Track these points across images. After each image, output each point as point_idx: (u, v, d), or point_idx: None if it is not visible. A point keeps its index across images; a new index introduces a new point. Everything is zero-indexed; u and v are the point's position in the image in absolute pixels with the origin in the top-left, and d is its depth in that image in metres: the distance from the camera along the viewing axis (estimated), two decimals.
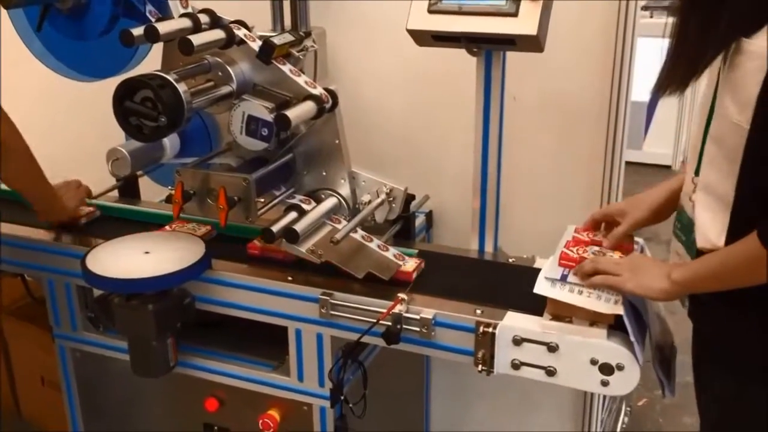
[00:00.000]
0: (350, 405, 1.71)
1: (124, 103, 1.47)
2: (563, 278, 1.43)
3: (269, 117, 1.56)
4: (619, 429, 2.78)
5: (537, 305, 1.46)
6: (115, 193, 2.11)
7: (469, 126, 1.75)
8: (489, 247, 1.79)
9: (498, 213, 1.79)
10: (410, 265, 1.62)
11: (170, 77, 1.47)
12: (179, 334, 1.74)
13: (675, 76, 1.22)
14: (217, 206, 1.53)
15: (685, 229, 1.34)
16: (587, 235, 1.55)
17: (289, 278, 1.63)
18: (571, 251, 1.47)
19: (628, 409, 2.89)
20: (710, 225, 1.24)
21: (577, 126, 1.96)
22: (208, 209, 1.58)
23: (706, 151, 1.24)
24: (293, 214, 1.62)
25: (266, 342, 1.75)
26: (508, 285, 1.63)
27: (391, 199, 1.70)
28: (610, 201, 1.95)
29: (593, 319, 1.41)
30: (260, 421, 1.73)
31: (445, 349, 1.53)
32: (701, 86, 1.28)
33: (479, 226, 1.80)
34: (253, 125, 1.60)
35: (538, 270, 1.64)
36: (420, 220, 2.08)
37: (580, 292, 1.41)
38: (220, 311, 1.71)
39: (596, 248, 1.50)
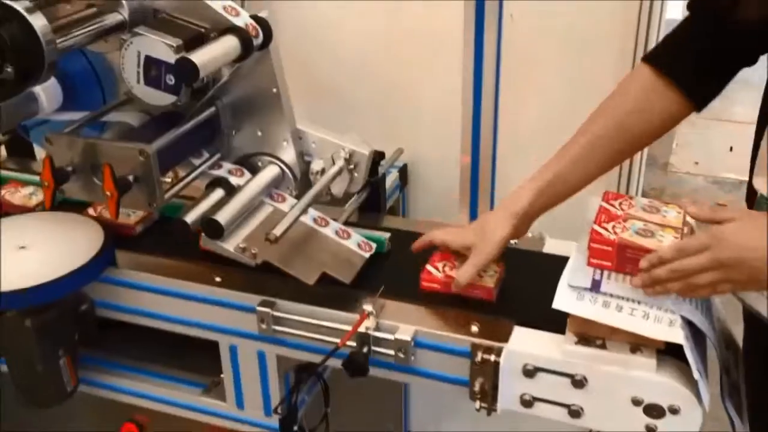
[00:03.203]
0: None
1: None
2: (595, 287, 1.02)
3: (174, 59, 1.09)
4: None
5: (554, 314, 1.04)
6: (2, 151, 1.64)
7: (450, 62, 1.30)
8: None
9: (494, 175, 1.36)
10: (489, 278, 1.16)
11: (18, 6, 1.00)
12: (77, 348, 1.31)
13: None
14: (103, 191, 1.08)
15: None
16: (620, 205, 1.11)
17: (218, 279, 1.20)
18: (604, 246, 1.05)
19: None
20: None
21: (595, 54, 1.50)
22: (96, 191, 1.13)
23: None
24: (218, 193, 1.18)
25: (196, 349, 1.33)
26: (513, 281, 1.21)
27: (352, 166, 1.26)
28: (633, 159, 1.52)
29: (636, 341, 1.01)
30: None
31: (430, 377, 1.13)
32: None
33: (470, 193, 1.37)
34: (153, 70, 1.14)
35: (549, 257, 1.25)
36: (392, 178, 1.66)
37: (620, 308, 1.00)
38: (129, 320, 1.29)
39: (640, 224, 1.07)
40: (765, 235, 0.90)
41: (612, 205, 1.11)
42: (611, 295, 1.00)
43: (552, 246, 1.28)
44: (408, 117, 1.68)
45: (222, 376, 1.29)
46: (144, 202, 1.11)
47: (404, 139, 1.67)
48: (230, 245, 1.12)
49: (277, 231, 1.06)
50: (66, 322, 1.26)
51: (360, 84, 1.68)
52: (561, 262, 1.16)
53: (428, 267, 1.16)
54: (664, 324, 0.97)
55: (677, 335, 0.96)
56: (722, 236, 0.92)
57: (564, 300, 1.01)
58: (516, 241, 1.31)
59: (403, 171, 1.70)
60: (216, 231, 1.09)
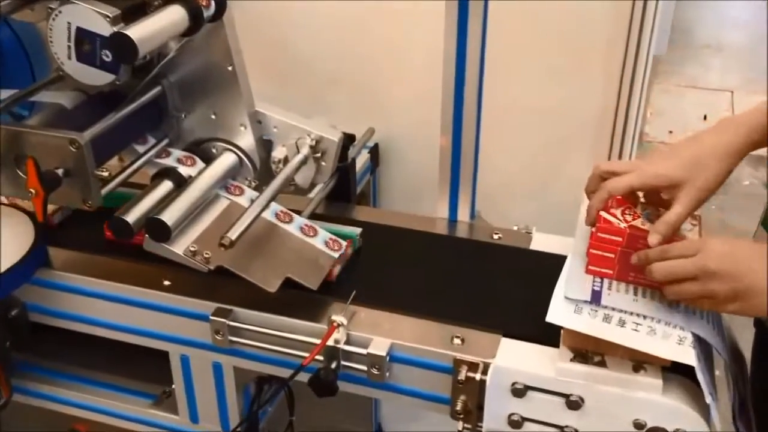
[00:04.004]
0: None
1: None
2: (595, 299, 0.90)
3: (110, 31, 0.94)
4: None
5: (545, 324, 0.92)
6: None
7: (429, 33, 1.16)
8: (463, 214, 1.24)
9: (477, 162, 1.23)
10: (689, 231, 0.97)
11: None
12: (9, 357, 1.17)
13: None
14: (27, 188, 0.93)
15: None
16: (622, 213, 0.97)
17: (166, 282, 1.06)
18: (605, 253, 0.93)
19: None
20: None
21: (587, 31, 1.37)
22: (22, 186, 0.97)
23: None
24: (165, 186, 1.03)
25: (145, 354, 1.19)
26: (497, 283, 1.09)
27: (319, 154, 1.12)
28: (625, 138, 1.40)
29: (640, 358, 0.89)
30: None
31: (407, 394, 1.01)
32: None
33: (450, 181, 1.23)
34: (86, 45, 0.98)
35: (538, 255, 1.14)
36: (363, 160, 1.52)
37: (623, 323, 0.88)
38: (66, 326, 1.14)
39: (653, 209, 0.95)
40: (755, 251, 0.83)
41: (613, 215, 0.97)
42: (614, 310, 0.89)
43: (540, 241, 1.16)
44: (381, 92, 1.54)
45: (174, 386, 1.16)
46: (77, 198, 0.96)
47: (376, 115, 1.53)
48: (179, 248, 0.98)
49: (232, 234, 0.92)
50: None
51: (329, 57, 1.53)
52: (552, 261, 1.05)
53: (603, 214, 0.92)
54: (672, 341, 0.86)
55: (689, 355, 0.85)
56: (710, 244, 0.84)
57: (559, 313, 0.90)
58: (499, 235, 1.19)
59: (375, 151, 1.56)
60: (161, 233, 0.95)
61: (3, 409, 1.19)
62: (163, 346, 1.10)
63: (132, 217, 0.96)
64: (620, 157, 1.42)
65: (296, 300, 1.03)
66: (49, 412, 1.27)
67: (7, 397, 1.18)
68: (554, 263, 1.03)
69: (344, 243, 1.09)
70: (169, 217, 0.95)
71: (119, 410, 1.20)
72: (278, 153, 1.11)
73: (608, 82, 1.35)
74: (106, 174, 1.00)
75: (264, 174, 1.12)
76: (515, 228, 1.20)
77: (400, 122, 1.56)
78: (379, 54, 1.52)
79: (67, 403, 1.23)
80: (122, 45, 0.85)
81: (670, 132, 3.90)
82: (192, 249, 0.98)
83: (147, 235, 0.97)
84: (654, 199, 0.97)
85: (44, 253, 1.11)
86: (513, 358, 0.94)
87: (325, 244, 1.08)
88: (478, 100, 1.17)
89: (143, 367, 1.22)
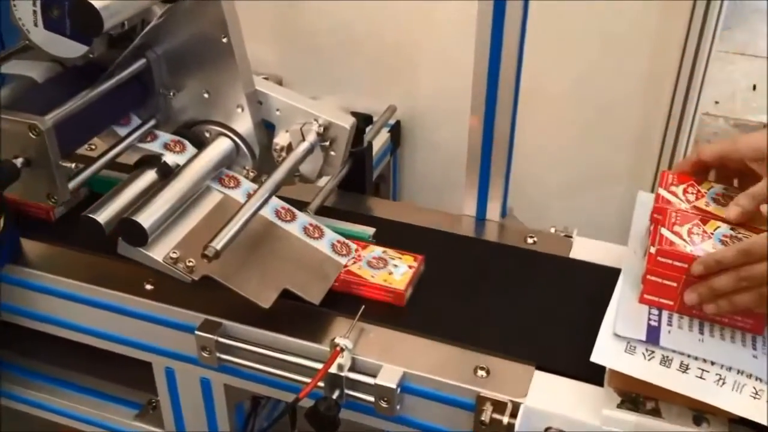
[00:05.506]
0: None
1: None
2: (652, 337, 0.74)
3: None
4: None
5: (587, 354, 0.78)
6: None
7: None
8: (493, 212, 1.08)
9: (512, 148, 1.06)
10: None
11: None
12: None
13: None
14: None
15: None
16: (685, 194, 0.82)
17: (148, 286, 0.92)
18: (665, 280, 0.77)
19: None
20: None
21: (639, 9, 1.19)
22: None
23: None
24: (147, 177, 0.89)
25: (129, 357, 1.06)
26: (530, 301, 0.93)
27: (328, 142, 0.96)
28: (682, 126, 1.22)
29: (702, 408, 0.74)
30: None
31: (420, 429, 0.87)
32: None
33: (480, 171, 1.07)
34: (55, 11, 0.83)
35: (581, 266, 0.98)
36: (383, 140, 1.36)
37: (685, 368, 0.73)
38: (39, 328, 1.01)
39: (726, 229, 0.79)
40: None
41: (673, 194, 0.82)
42: (673, 352, 0.73)
43: (583, 248, 1.00)
44: (404, 62, 1.37)
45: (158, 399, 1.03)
46: (40, 193, 0.82)
47: (398, 89, 1.37)
48: (158, 254, 0.84)
49: (217, 244, 0.77)
50: None
51: (345, 22, 1.36)
52: (597, 273, 0.91)
53: (665, 232, 0.75)
54: (745, 394, 0.71)
55: (765, 414, 0.69)
56: None
57: (607, 353, 0.74)
58: (534, 238, 1.03)
59: (396, 130, 1.40)
60: (137, 236, 0.81)
61: None
62: (145, 356, 0.96)
63: (104, 216, 0.82)
64: (675, 145, 1.25)
65: (296, 313, 0.88)
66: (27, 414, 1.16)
67: None
68: (600, 276, 0.89)
69: (354, 246, 0.94)
70: (145, 217, 0.81)
71: (100, 419, 1.08)
72: (281, 139, 0.95)
73: (665, 64, 1.18)
74: (72, 165, 0.85)
75: (264, 163, 0.97)
76: (553, 230, 1.04)
77: (426, 97, 1.39)
78: (403, 18, 1.35)
79: (42, 408, 1.11)
80: (83, 15, 0.70)
81: (716, 103, 3.67)
82: (173, 256, 0.84)
83: (121, 240, 0.83)
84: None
85: (16, 246, 0.97)
86: (548, 398, 0.80)
87: (331, 247, 0.93)
88: (516, 73, 1.00)
89: (128, 371, 1.08)
